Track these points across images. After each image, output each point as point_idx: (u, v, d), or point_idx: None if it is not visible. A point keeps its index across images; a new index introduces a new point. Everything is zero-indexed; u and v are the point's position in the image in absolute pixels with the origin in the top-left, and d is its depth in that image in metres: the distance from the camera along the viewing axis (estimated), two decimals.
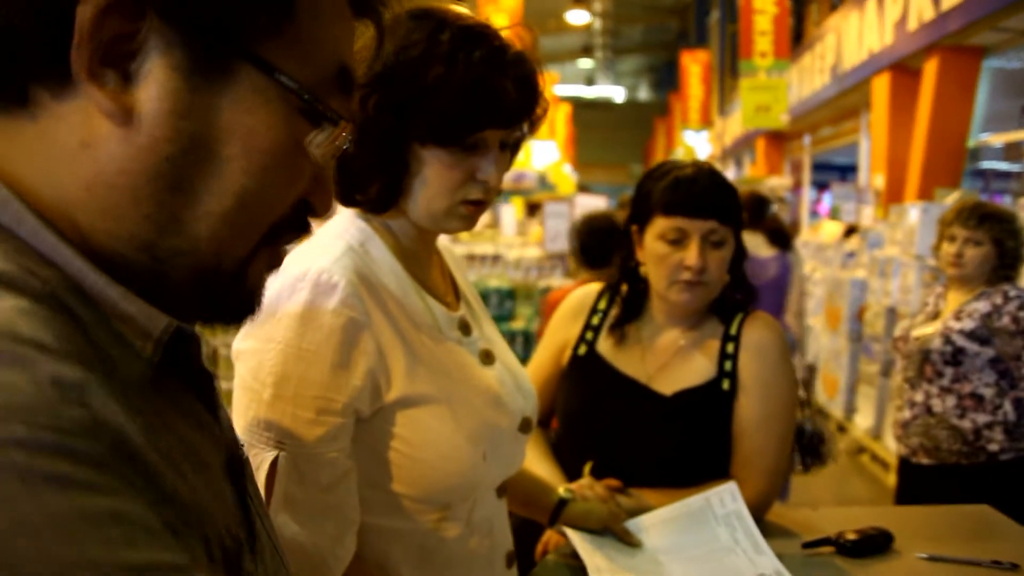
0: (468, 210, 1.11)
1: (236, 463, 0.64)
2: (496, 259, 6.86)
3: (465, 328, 1.21)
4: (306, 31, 0.55)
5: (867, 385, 5.96)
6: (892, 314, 5.40)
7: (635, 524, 1.53)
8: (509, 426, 1.19)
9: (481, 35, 1.06)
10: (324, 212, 0.62)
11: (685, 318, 1.74)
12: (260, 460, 1.01)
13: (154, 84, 0.51)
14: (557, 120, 18.90)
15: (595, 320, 1.82)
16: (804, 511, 1.74)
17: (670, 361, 1.72)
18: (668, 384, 1.69)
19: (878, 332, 5.62)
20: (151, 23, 0.50)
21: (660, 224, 1.65)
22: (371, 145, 1.07)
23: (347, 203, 1.14)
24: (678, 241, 1.64)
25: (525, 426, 1.23)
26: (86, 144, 0.51)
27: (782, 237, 4.61)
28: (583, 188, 14.67)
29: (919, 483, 3.00)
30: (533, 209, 8.97)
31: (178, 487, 0.48)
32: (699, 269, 1.62)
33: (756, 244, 4.47)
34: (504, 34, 1.09)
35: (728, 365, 1.68)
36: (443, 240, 1.33)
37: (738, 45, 9.96)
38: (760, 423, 1.65)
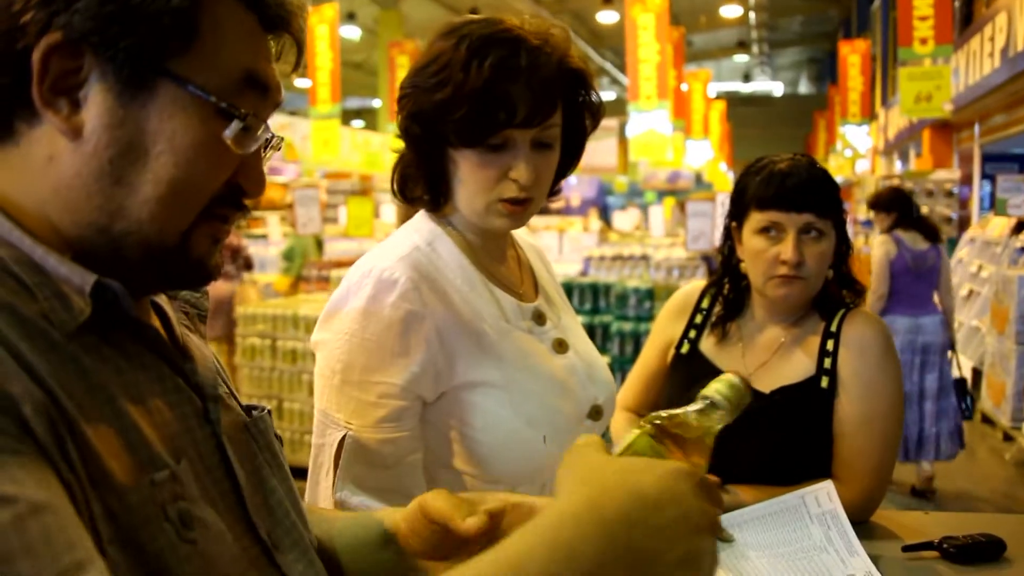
0: (507, 208, 1.18)
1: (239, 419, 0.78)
2: (642, 259, 6.85)
3: (539, 318, 1.28)
4: (210, 48, 0.68)
5: None
6: None
7: (727, 519, 1.52)
8: (574, 412, 1.24)
9: (496, 42, 1.12)
10: (256, 194, 0.75)
11: (786, 315, 1.72)
12: (333, 439, 1.13)
13: (95, 105, 0.66)
14: (711, 118, 18.50)
15: (698, 319, 1.82)
16: (915, 514, 1.68)
17: (770, 359, 1.70)
18: (767, 382, 1.67)
19: None
20: (89, 58, 0.65)
21: (756, 219, 1.64)
22: (412, 150, 1.19)
23: (407, 201, 1.26)
24: (774, 236, 1.62)
25: (595, 413, 1.28)
26: (51, 158, 0.66)
27: (931, 231, 4.91)
28: None
29: None
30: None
31: (80, 414, 0.59)
32: (795, 263, 1.60)
33: (914, 239, 4.85)
34: (532, 39, 1.14)
35: (827, 362, 1.64)
36: (522, 234, 1.39)
37: (896, 31, 9.46)
38: (861, 422, 1.61)
